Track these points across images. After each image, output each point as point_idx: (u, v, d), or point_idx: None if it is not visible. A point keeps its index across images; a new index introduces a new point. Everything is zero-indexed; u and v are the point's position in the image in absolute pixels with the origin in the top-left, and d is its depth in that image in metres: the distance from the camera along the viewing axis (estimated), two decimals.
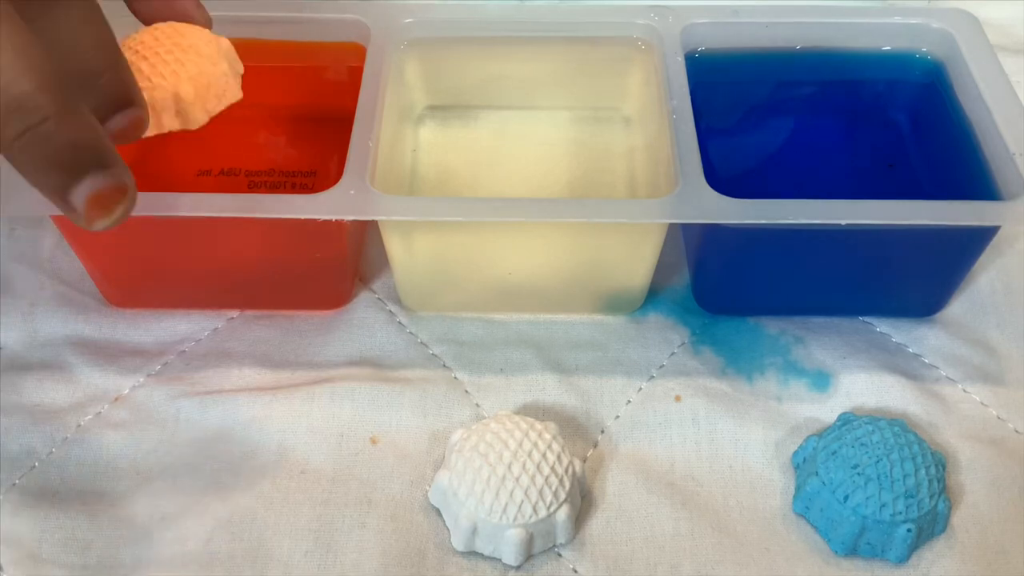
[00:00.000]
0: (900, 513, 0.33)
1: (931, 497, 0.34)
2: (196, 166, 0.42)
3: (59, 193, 0.28)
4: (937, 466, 0.34)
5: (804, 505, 0.35)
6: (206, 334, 0.41)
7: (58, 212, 0.28)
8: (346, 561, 0.34)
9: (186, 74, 0.36)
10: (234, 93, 0.38)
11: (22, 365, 0.40)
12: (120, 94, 0.31)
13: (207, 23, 0.38)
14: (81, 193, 0.27)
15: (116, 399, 0.39)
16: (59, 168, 0.27)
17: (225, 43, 0.38)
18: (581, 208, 0.37)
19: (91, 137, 0.28)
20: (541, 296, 0.41)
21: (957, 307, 0.42)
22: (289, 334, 0.41)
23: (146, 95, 0.34)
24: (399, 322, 0.42)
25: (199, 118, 0.37)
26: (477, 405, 0.39)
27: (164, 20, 0.37)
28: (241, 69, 0.38)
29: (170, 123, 0.36)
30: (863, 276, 0.40)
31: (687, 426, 0.38)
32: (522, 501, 0.33)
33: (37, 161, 0.27)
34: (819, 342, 0.41)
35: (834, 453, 0.35)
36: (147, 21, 0.38)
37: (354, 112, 0.40)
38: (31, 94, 0.26)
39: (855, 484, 0.34)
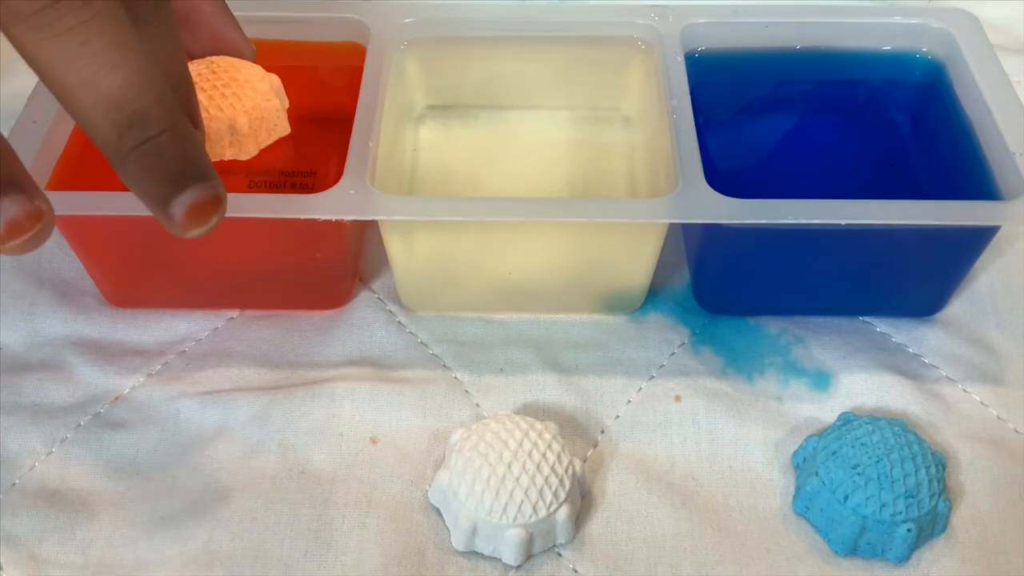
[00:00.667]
0: (900, 513, 0.33)
1: (931, 497, 0.34)
2: None
3: (161, 202, 0.29)
4: (937, 466, 0.34)
5: (804, 505, 0.35)
6: (206, 334, 0.41)
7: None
8: (346, 561, 0.34)
9: (242, 108, 0.38)
10: (283, 128, 0.41)
11: (22, 365, 0.40)
12: (187, 113, 0.33)
13: (253, 56, 0.40)
14: (182, 203, 0.29)
15: (116, 399, 0.39)
16: (167, 179, 0.28)
17: (276, 80, 0.41)
18: (581, 208, 0.37)
19: (196, 150, 0.29)
20: (541, 296, 0.41)
21: (957, 307, 0.42)
22: (289, 334, 0.41)
23: (204, 124, 0.36)
24: (399, 322, 0.42)
25: (251, 150, 0.40)
26: (477, 405, 0.39)
27: (215, 54, 0.39)
28: (287, 104, 0.41)
29: (223, 152, 0.39)
30: (863, 276, 0.40)
31: (687, 426, 0.38)
32: (522, 501, 0.33)
33: (148, 172, 0.28)
34: (819, 342, 0.41)
35: (834, 453, 0.35)
36: (195, 55, 0.39)
37: (354, 112, 0.40)
38: (150, 108, 0.28)
39: (855, 484, 0.34)
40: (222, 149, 0.39)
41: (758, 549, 0.35)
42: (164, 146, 0.28)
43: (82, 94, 0.27)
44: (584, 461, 0.37)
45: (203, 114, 0.36)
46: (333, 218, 0.36)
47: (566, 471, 0.34)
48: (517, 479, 0.33)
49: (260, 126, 0.40)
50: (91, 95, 0.27)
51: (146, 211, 0.35)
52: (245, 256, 0.40)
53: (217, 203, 0.29)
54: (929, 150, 0.42)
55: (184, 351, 0.41)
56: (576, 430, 0.38)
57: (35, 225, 0.28)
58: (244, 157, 0.39)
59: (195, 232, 0.29)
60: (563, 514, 0.34)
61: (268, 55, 0.43)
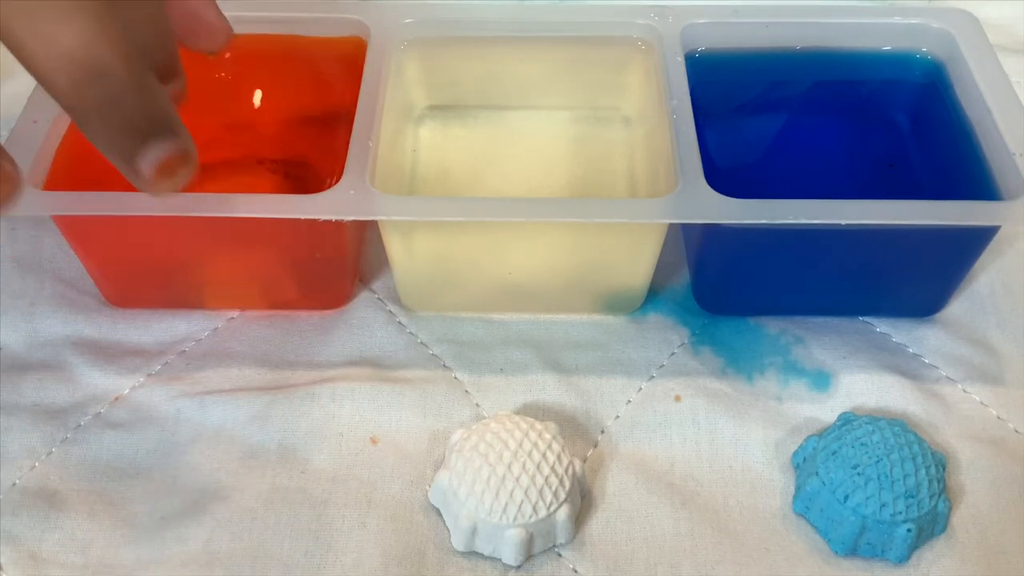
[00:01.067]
0: (900, 513, 0.33)
1: (931, 497, 0.34)
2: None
3: (127, 158, 0.29)
4: (937, 466, 0.34)
5: (804, 505, 0.35)
6: (206, 334, 0.41)
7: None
8: (346, 561, 0.34)
9: None
10: None
11: (22, 365, 0.40)
12: (169, 67, 0.33)
13: (230, 36, 0.39)
14: (148, 158, 0.29)
15: (116, 399, 0.39)
16: (130, 133, 0.28)
17: None
18: (581, 208, 0.37)
19: (161, 106, 0.29)
20: (541, 296, 0.41)
21: (957, 307, 0.42)
22: (289, 334, 0.41)
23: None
24: (399, 322, 0.42)
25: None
26: (477, 405, 0.39)
27: (190, 33, 0.39)
28: None
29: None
30: (863, 276, 0.40)
31: (687, 426, 0.38)
32: (522, 501, 0.33)
33: (111, 126, 0.28)
34: (819, 342, 0.41)
35: (834, 453, 0.35)
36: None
37: (354, 111, 0.40)
38: (112, 63, 0.27)
39: (855, 484, 0.34)
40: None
41: (758, 549, 0.35)
42: (125, 101, 0.28)
43: (40, 49, 0.27)
44: (584, 461, 0.37)
45: None
46: (333, 218, 0.36)
47: (566, 471, 0.34)
48: (517, 479, 0.33)
49: None
50: (48, 50, 0.27)
51: (146, 211, 0.35)
52: (245, 256, 0.40)
53: (185, 158, 0.29)
54: (929, 150, 0.42)
55: (184, 351, 0.41)
56: (576, 430, 0.38)
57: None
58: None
59: (164, 188, 0.29)
60: (563, 514, 0.34)
61: (267, 52, 0.43)
